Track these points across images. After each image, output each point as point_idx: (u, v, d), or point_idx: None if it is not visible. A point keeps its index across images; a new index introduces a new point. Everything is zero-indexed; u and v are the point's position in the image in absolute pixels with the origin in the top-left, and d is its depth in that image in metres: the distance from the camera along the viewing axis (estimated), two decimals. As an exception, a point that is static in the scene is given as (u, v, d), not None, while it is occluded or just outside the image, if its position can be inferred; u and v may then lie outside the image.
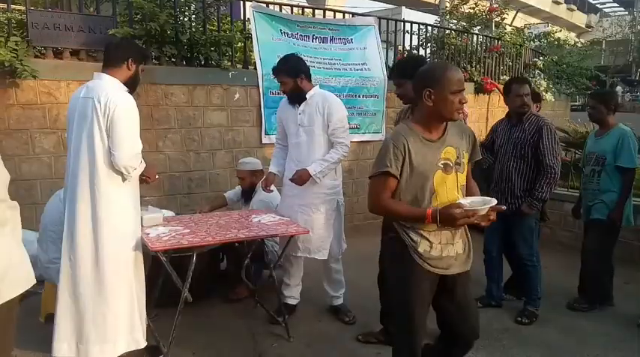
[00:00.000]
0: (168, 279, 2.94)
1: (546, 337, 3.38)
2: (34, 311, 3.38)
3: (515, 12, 17.48)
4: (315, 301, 3.74)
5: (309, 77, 3.40)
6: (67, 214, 2.69)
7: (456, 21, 8.92)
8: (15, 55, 4.04)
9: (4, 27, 4.33)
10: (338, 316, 3.54)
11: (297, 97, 3.38)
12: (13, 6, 4.45)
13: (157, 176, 3.01)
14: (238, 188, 4.19)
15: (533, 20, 25.09)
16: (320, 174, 3.29)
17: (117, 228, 2.68)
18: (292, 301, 3.59)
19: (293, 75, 3.32)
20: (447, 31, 8.18)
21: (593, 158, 3.76)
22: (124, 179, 2.69)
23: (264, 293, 3.71)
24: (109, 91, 2.62)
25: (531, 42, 10.55)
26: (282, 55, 5.44)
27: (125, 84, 2.74)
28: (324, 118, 3.32)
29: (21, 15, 4.50)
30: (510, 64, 9.22)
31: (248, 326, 3.42)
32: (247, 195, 4.01)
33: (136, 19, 4.92)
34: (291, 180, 3.32)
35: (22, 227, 4.08)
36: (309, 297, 3.71)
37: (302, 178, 3.28)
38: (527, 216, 3.48)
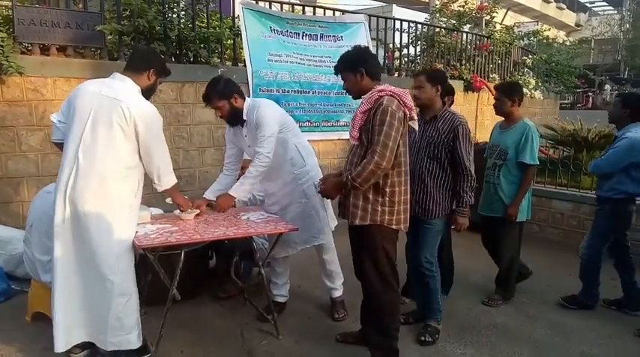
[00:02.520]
0: (156, 277, 2.93)
1: (533, 334, 3.41)
2: (21, 310, 3.35)
3: (505, 10, 17.58)
4: (304, 299, 3.74)
5: (241, 95, 3.25)
6: (69, 212, 2.61)
7: (445, 19, 8.95)
8: (1, 52, 4.00)
9: (-10, 23, 4.28)
10: (330, 310, 3.53)
11: (237, 119, 3.24)
12: (-2, 1, 4.40)
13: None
14: None
15: (523, 19, 25.24)
16: (243, 193, 3.27)
17: (123, 230, 2.72)
18: (281, 299, 3.59)
19: (226, 96, 3.16)
20: (437, 29, 8.20)
21: (496, 151, 3.71)
22: (138, 185, 2.78)
23: (253, 291, 3.70)
24: (138, 101, 2.69)
25: (520, 40, 10.61)
26: (273, 53, 5.52)
27: (142, 91, 2.78)
28: (257, 128, 3.19)
29: (7, 11, 4.44)
30: (500, 62, 9.28)
31: (237, 324, 3.41)
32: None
33: (124, 15, 4.89)
34: (217, 210, 3.26)
35: (9, 225, 4.09)
36: (299, 294, 3.71)
37: (222, 205, 3.24)
38: (435, 221, 3.16)
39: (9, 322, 3.28)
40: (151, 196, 4.76)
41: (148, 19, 4.74)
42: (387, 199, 2.63)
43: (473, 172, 3.11)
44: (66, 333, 2.67)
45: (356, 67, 2.67)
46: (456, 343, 3.24)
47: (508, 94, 3.64)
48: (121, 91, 2.66)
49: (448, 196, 3.17)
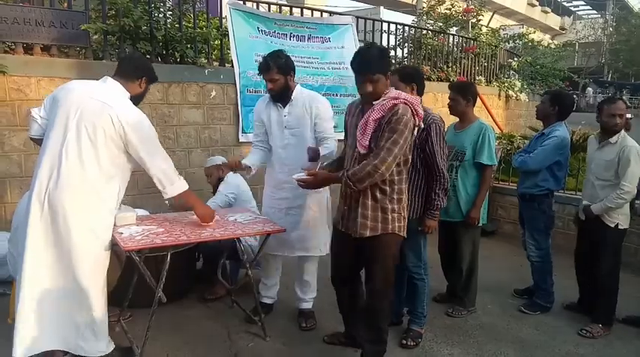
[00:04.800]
0: (142, 279, 2.90)
1: (520, 333, 3.43)
2: (2, 313, 3.28)
3: (491, 14, 17.76)
4: (292, 301, 3.72)
5: (294, 75, 3.28)
6: (47, 211, 2.56)
7: (432, 21, 9.01)
8: (-18, 50, 3.93)
9: (-29, 21, 4.20)
10: (298, 319, 3.47)
11: (283, 97, 3.24)
12: (-20, -1, 4.33)
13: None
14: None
15: (509, 22, 25.52)
16: (322, 159, 3.16)
17: (102, 235, 2.69)
18: (269, 301, 3.57)
19: (285, 72, 3.17)
20: (424, 32, 8.25)
21: (452, 153, 3.53)
22: (119, 192, 2.77)
23: (240, 292, 3.68)
24: (126, 105, 2.66)
25: (506, 43, 10.73)
26: (260, 54, 5.48)
27: (132, 98, 2.75)
28: (312, 118, 3.23)
29: (-11, 9, 4.37)
30: (486, 64, 9.36)
31: (224, 326, 3.39)
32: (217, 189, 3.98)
33: (109, 14, 4.83)
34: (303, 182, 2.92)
35: (-9, 227, 4.00)
36: (287, 296, 3.69)
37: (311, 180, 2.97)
38: (413, 222, 3.03)
39: (-10, 325, 3.21)
40: (135, 197, 4.73)
41: (134, 18, 4.69)
42: (396, 206, 2.59)
43: (446, 173, 3.04)
44: (27, 340, 2.59)
45: (388, 70, 2.56)
46: (443, 343, 3.25)
47: (463, 94, 3.53)
48: (110, 96, 2.63)
49: (421, 198, 3.10)
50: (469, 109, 3.57)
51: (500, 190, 5.93)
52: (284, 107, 3.27)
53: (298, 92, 3.27)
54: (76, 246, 2.59)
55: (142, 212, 3.70)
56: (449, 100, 3.62)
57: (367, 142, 2.49)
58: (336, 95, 5.95)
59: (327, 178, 2.67)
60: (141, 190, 4.81)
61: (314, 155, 3.11)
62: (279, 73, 3.15)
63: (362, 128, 2.51)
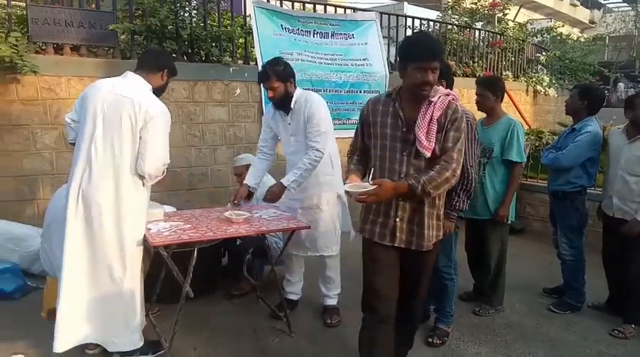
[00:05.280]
0: (170, 274, 2.94)
1: (549, 333, 3.36)
2: (36, 307, 3.37)
3: (518, 7, 17.42)
4: (317, 297, 3.72)
5: (295, 81, 3.26)
6: (82, 209, 2.63)
7: (457, 16, 8.88)
8: (15, 51, 4.03)
9: (5, 23, 4.32)
10: (322, 315, 3.47)
11: (285, 104, 3.23)
12: (13, 2, 4.44)
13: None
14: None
15: (537, 16, 24.97)
16: (294, 184, 3.14)
17: (135, 229, 2.74)
18: (293, 297, 3.59)
19: (284, 79, 3.16)
20: (449, 27, 8.14)
21: (479, 149, 3.37)
22: (143, 183, 2.75)
23: (266, 289, 3.70)
24: (149, 98, 2.68)
25: (534, 37, 10.50)
26: (284, 51, 5.51)
27: (154, 91, 2.79)
28: (305, 121, 3.20)
29: (21, 11, 4.49)
30: (513, 59, 9.18)
31: (250, 321, 3.42)
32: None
33: (136, 14, 4.91)
34: (265, 200, 3.22)
35: (25, 223, 4.14)
36: (311, 292, 3.70)
37: (275, 194, 3.18)
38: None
39: (25, 318, 3.31)
40: (163, 194, 4.80)
41: (160, 18, 4.76)
42: (441, 211, 2.41)
43: (473, 174, 2.90)
44: (66, 333, 2.68)
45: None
46: (469, 342, 3.21)
47: (491, 89, 3.45)
48: (132, 89, 2.68)
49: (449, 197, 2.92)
50: (497, 105, 3.51)
51: (529, 188, 5.82)
52: (287, 115, 3.28)
53: (298, 97, 3.26)
54: (111, 241, 2.66)
55: (169, 208, 3.76)
56: (476, 96, 3.55)
57: (433, 144, 2.21)
58: (360, 92, 5.92)
59: (395, 188, 2.18)
60: (168, 188, 4.89)
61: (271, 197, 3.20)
62: (278, 81, 3.15)
63: (425, 128, 2.21)
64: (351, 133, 6.70)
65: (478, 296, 3.74)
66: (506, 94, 3.80)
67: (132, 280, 2.75)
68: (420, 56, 2.15)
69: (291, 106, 3.23)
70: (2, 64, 4.02)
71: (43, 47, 4.51)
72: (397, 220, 2.30)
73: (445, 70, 3.02)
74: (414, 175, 2.23)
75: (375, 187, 2.11)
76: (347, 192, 2.21)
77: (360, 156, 2.47)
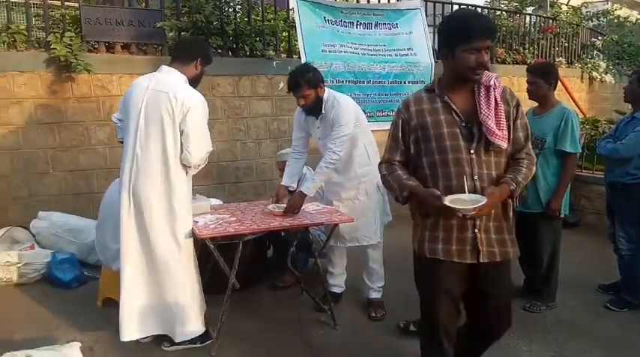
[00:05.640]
0: (216, 266, 3.01)
1: (604, 331, 3.21)
2: (92, 296, 3.54)
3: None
4: (361, 290, 3.71)
5: (324, 84, 3.23)
6: (133, 204, 2.73)
7: (507, 1, 8.56)
8: (70, 50, 4.22)
9: (59, 23, 4.52)
10: (367, 309, 3.45)
11: (317, 109, 3.20)
12: (67, 2, 4.64)
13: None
14: None
15: (592, -2, 23.72)
16: (313, 189, 3.15)
17: (185, 219, 2.81)
18: (337, 290, 3.59)
19: (315, 85, 3.13)
20: (498, 13, 7.87)
21: (531, 139, 3.38)
22: (187, 172, 2.80)
23: (310, 281, 3.72)
24: (184, 89, 2.71)
25: (589, 21, 9.98)
26: (327, 43, 5.49)
27: (189, 81, 2.83)
28: (332, 124, 3.18)
29: (75, 11, 4.68)
30: (566, 44, 8.78)
31: (294, 313, 3.44)
32: None
33: (183, 11, 5.02)
34: (285, 211, 3.15)
35: (82, 216, 4.33)
36: (356, 285, 3.69)
37: (294, 205, 3.12)
38: None
39: (81, 307, 3.47)
40: (210, 187, 4.92)
41: (206, 14, 4.85)
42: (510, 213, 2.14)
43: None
44: (131, 325, 2.80)
45: None
46: (520, 339, 3.11)
47: (544, 76, 3.29)
48: (167, 82, 2.72)
49: None
50: (550, 93, 3.35)
51: (584, 179, 5.55)
52: (317, 119, 3.27)
53: (326, 100, 3.23)
54: (163, 234, 2.75)
55: (215, 201, 3.84)
56: (527, 84, 3.40)
57: (506, 133, 1.96)
58: (404, 83, 5.83)
59: (500, 195, 1.95)
60: (214, 181, 5.01)
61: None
62: (309, 89, 3.13)
63: (494, 116, 1.94)
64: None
65: (528, 292, 3.61)
66: (559, 82, 3.63)
67: (187, 270, 2.84)
68: (473, 35, 1.86)
69: (322, 111, 3.22)
70: (58, 64, 4.23)
71: (96, 46, 4.69)
72: (476, 231, 1.98)
73: None
74: (509, 176, 1.98)
75: (480, 201, 1.83)
76: (450, 207, 1.86)
77: (402, 167, 2.13)
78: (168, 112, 2.65)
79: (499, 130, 1.93)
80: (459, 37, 1.90)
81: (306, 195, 3.14)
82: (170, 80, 2.74)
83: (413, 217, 2.18)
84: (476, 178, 1.96)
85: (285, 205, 3.18)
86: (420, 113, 2.04)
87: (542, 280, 3.49)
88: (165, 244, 2.75)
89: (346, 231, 3.33)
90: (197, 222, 2.95)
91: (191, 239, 2.86)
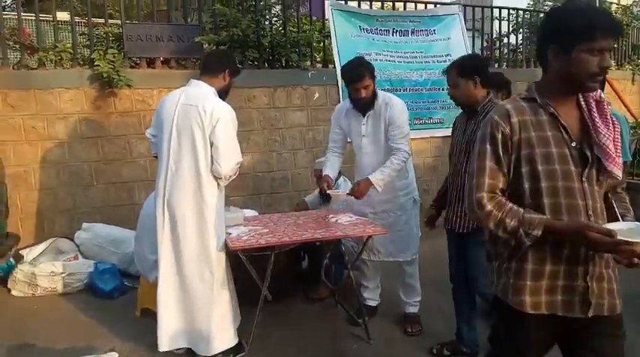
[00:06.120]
0: (248, 277, 3.01)
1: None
2: (132, 305, 3.62)
3: (622, -12, 15.92)
4: (397, 304, 3.63)
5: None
6: (168, 217, 2.77)
7: (551, 3, 8.27)
8: (112, 67, 4.37)
9: (103, 41, 4.70)
10: (403, 323, 3.37)
11: (370, 104, 3.16)
12: (110, 21, 4.82)
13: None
14: (316, 191, 4.19)
15: (645, -4, 22.64)
16: (381, 182, 3.07)
17: (218, 231, 2.83)
18: (372, 303, 3.52)
19: (374, 76, 3.13)
20: (541, 15, 7.60)
21: None
22: (218, 184, 2.82)
23: (344, 293, 3.66)
24: (212, 101, 2.74)
25: (639, 20, 9.49)
26: (362, 52, 5.45)
27: (218, 92, 2.86)
28: (386, 124, 3.14)
29: (118, 28, 4.85)
30: (615, 45, 8.37)
31: (328, 326, 3.40)
32: (326, 195, 3.97)
33: (220, 25, 5.11)
34: (350, 194, 3.13)
35: (124, 227, 4.45)
36: (392, 298, 3.61)
37: (362, 190, 3.09)
38: (480, 231, 2.52)
39: (121, 316, 3.56)
40: (246, 198, 4.96)
41: (242, 27, 4.91)
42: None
43: None
44: (168, 334, 2.84)
45: None
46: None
47: None
48: (196, 96, 2.75)
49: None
50: None
51: (635, 187, 5.25)
52: (364, 116, 3.21)
53: (378, 97, 3.19)
54: (197, 247, 2.78)
55: (250, 212, 3.86)
56: None
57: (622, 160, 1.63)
58: (441, 89, 5.67)
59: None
60: (250, 192, 5.05)
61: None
62: (370, 79, 3.10)
63: (612, 136, 1.60)
64: (433, 133, 6.42)
65: None
66: (607, 85, 3.45)
67: (221, 282, 2.86)
68: (598, 31, 1.49)
69: (374, 106, 3.17)
70: (101, 80, 4.39)
71: (137, 62, 4.83)
72: (588, 278, 1.60)
73: (472, 66, 2.68)
74: (629, 214, 1.68)
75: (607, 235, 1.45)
76: (630, 243, 1.44)
77: (508, 195, 1.65)
78: (199, 125, 2.68)
79: (617, 156, 1.59)
80: (579, 33, 1.50)
81: (372, 184, 3.07)
82: (199, 93, 2.77)
83: (491, 259, 1.76)
84: (590, 212, 1.58)
85: (340, 191, 3.12)
86: (524, 126, 1.60)
87: None
88: (198, 261, 2.78)
89: (381, 245, 3.26)
90: (230, 233, 2.97)
91: (223, 252, 2.87)
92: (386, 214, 3.27)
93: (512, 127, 1.60)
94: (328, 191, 3.17)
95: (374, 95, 3.15)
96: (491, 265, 1.76)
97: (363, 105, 3.18)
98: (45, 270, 3.90)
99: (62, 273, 3.92)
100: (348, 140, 3.46)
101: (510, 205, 1.61)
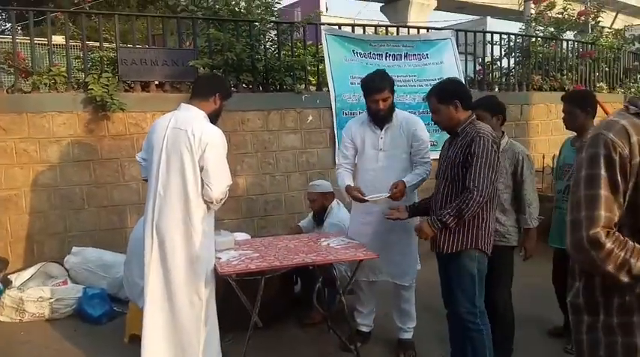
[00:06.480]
0: (241, 302, 2.96)
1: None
2: (121, 331, 3.54)
3: (615, 14, 16.20)
4: (391, 329, 3.57)
5: None
6: (157, 241, 2.74)
7: (542, 27, 8.38)
8: (106, 91, 4.39)
9: (98, 64, 4.72)
10: (396, 349, 3.31)
11: (388, 117, 3.16)
12: (105, 44, 4.85)
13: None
14: (310, 215, 4.16)
15: (637, 21, 23.05)
16: (412, 187, 3.11)
17: (207, 257, 2.80)
18: (365, 329, 3.46)
19: (393, 90, 3.15)
20: (533, 39, 7.71)
21: (569, 172, 3.14)
22: (208, 208, 2.79)
23: (337, 319, 3.60)
24: (202, 124, 2.73)
25: (631, 44, 9.63)
26: (355, 76, 5.50)
27: (209, 116, 2.85)
28: (409, 139, 3.16)
29: (112, 53, 4.88)
30: (607, 69, 8.48)
31: (320, 352, 3.35)
32: (319, 218, 3.96)
33: (215, 50, 5.15)
34: (390, 196, 3.02)
35: (115, 251, 4.40)
36: (385, 324, 3.55)
37: (402, 190, 3.01)
38: (462, 256, 2.61)
39: (109, 342, 3.49)
40: (240, 220, 4.93)
41: (237, 52, 4.95)
42: None
43: (482, 194, 2.45)
44: None
45: None
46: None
47: (580, 105, 3.13)
48: (186, 119, 2.74)
49: (473, 224, 2.58)
50: (588, 122, 3.14)
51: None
52: (381, 129, 3.19)
53: (396, 113, 3.22)
54: (186, 272, 2.74)
55: (242, 236, 3.82)
56: (563, 113, 3.24)
57: None
58: (436, 113, 5.75)
59: None
60: (244, 215, 5.01)
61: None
62: (389, 92, 3.11)
63: None
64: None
65: (569, 332, 3.36)
66: (601, 109, 3.43)
67: (209, 307, 2.80)
68: None
69: (391, 120, 3.18)
70: (94, 103, 4.39)
71: (132, 85, 4.85)
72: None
73: (450, 90, 2.69)
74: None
75: None
76: None
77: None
78: (187, 149, 2.67)
79: None
80: None
81: (405, 185, 3.05)
82: (189, 117, 2.76)
83: (579, 312, 1.49)
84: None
85: (376, 195, 3.04)
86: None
87: None
88: (186, 286, 2.73)
89: (385, 264, 3.20)
90: (220, 258, 2.93)
91: (213, 277, 2.83)
92: (388, 235, 3.19)
93: (632, 148, 1.33)
94: (367, 197, 3.06)
95: (391, 109, 3.16)
96: (578, 319, 1.47)
97: (382, 117, 3.17)
98: (33, 295, 3.84)
99: (50, 298, 3.85)
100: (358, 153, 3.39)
101: (632, 242, 1.34)
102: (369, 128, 3.24)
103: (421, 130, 3.21)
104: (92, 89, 4.37)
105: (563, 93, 3.48)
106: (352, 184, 3.24)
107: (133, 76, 4.81)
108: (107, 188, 4.58)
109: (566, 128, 3.30)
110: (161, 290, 2.77)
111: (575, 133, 3.28)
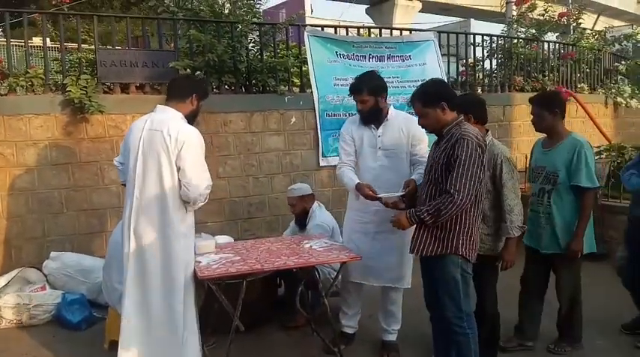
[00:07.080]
0: (221, 306, 2.92)
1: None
2: (100, 337, 3.48)
3: (596, 16, 16.44)
4: (374, 331, 3.55)
5: (386, 96, 3.22)
6: (134, 245, 2.69)
7: (524, 29, 8.47)
8: (85, 93, 4.31)
9: (76, 66, 4.65)
10: (380, 351, 3.30)
11: (374, 118, 3.16)
12: (83, 45, 4.77)
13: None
14: (292, 222, 4.13)
15: (617, 23, 23.45)
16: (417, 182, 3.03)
17: (186, 259, 2.75)
18: (350, 330, 3.44)
19: (376, 93, 3.12)
20: (515, 40, 7.79)
21: (542, 174, 3.14)
22: (187, 210, 2.75)
23: (321, 321, 3.57)
24: (178, 125, 2.69)
25: (610, 46, 9.77)
26: (339, 77, 5.50)
27: (186, 117, 2.81)
28: (409, 139, 3.15)
29: (91, 54, 4.80)
30: (588, 70, 8.59)
31: (303, 355, 3.31)
32: (301, 222, 3.93)
33: (196, 51, 5.10)
34: (403, 195, 2.95)
35: (95, 255, 4.32)
36: (369, 325, 3.54)
37: (415, 187, 2.90)
38: (444, 261, 2.58)
39: (88, 349, 3.42)
40: (223, 223, 4.88)
41: (218, 53, 4.91)
42: None
43: (462, 197, 2.43)
44: None
45: None
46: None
47: (546, 106, 3.10)
48: (162, 121, 2.71)
49: (454, 230, 2.56)
50: (557, 123, 3.13)
51: (610, 209, 5.30)
52: (377, 128, 3.19)
53: (393, 113, 3.21)
54: (165, 276, 2.69)
55: (225, 239, 3.78)
56: (532, 116, 3.22)
57: None
58: (419, 114, 5.76)
59: None
60: (227, 217, 4.97)
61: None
62: (369, 95, 3.10)
63: None
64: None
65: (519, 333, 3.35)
66: (581, 108, 3.45)
67: (188, 312, 2.75)
68: None
69: (387, 118, 3.17)
70: (72, 106, 4.32)
71: (112, 87, 4.78)
72: None
73: (435, 93, 2.61)
74: None
75: None
76: None
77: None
78: (164, 150, 2.63)
79: None
80: None
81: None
82: (165, 118, 2.72)
83: None
84: None
85: (389, 193, 2.97)
86: None
87: (564, 321, 3.26)
88: (165, 291, 2.69)
89: (385, 268, 3.16)
90: (200, 262, 2.89)
91: (192, 281, 2.78)
92: (391, 235, 3.10)
93: None
94: (380, 195, 2.97)
95: (376, 110, 3.14)
96: None
97: (364, 118, 3.19)
98: (10, 301, 3.76)
99: (28, 304, 3.77)
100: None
101: None
102: (367, 127, 3.24)
103: (419, 130, 3.12)
104: (70, 91, 4.29)
105: (530, 97, 3.44)
106: (359, 181, 3.15)
107: (112, 78, 4.74)
108: (86, 191, 4.50)
109: (536, 130, 3.28)
110: (138, 295, 2.71)
111: (546, 135, 3.27)
